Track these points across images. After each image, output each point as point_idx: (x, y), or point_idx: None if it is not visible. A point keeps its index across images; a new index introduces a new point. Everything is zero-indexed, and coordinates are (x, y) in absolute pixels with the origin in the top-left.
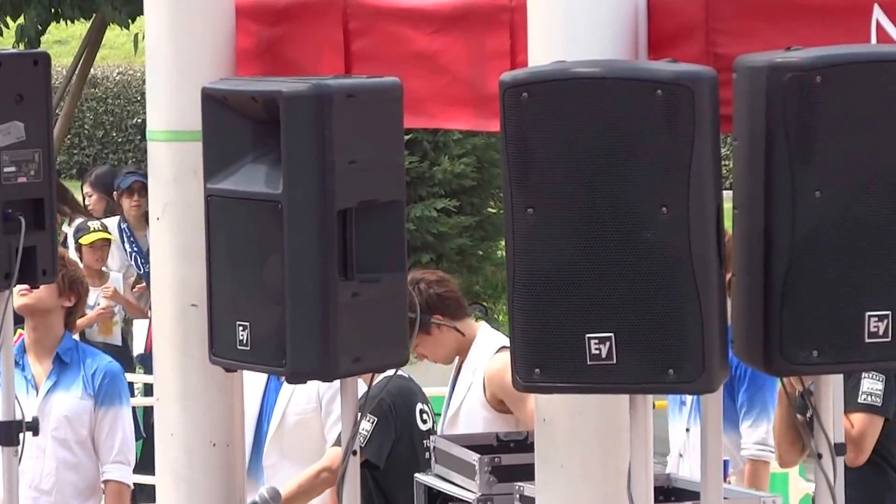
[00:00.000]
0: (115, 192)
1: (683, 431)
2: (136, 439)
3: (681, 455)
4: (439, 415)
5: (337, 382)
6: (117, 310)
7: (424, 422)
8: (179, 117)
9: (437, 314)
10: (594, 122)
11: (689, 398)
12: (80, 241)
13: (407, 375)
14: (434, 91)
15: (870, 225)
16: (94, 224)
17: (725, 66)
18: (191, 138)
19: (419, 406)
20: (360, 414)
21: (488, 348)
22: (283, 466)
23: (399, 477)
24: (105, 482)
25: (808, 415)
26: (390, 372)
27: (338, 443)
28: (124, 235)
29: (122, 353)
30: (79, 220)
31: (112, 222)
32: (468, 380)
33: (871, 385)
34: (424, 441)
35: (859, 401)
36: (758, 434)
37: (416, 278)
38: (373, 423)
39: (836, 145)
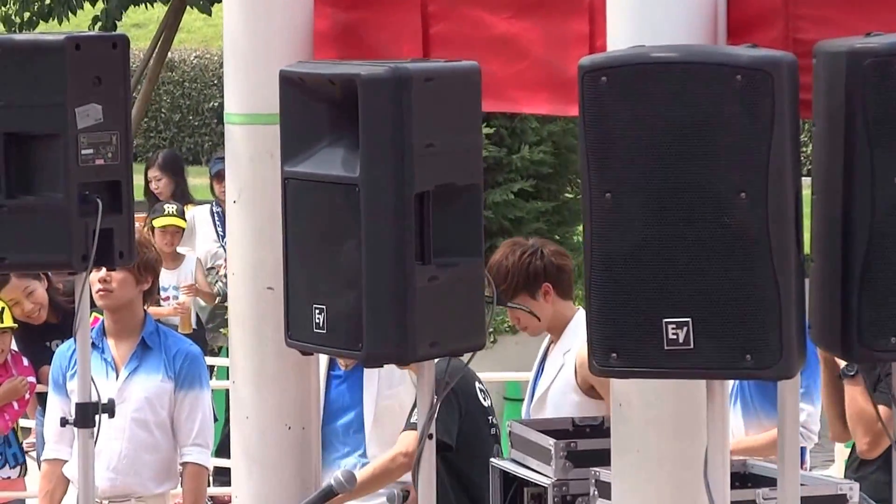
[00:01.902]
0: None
1: None
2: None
3: None
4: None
5: None
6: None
7: (484, 399)
8: (257, 100)
9: (548, 283)
10: (673, 106)
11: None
12: (154, 222)
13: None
14: (512, 75)
15: None
16: (170, 208)
17: (805, 52)
18: (268, 121)
19: (477, 384)
20: (436, 398)
21: (583, 332)
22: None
23: (468, 455)
24: (184, 464)
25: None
26: None
27: (410, 427)
28: (215, 219)
29: (197, 336)
30: (156, 203)
31: (201, 209)
32: (558, 362)
33: None
34: (488, 418)
35: None
36: (799, 416)
37: (539, 244)
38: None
39: None
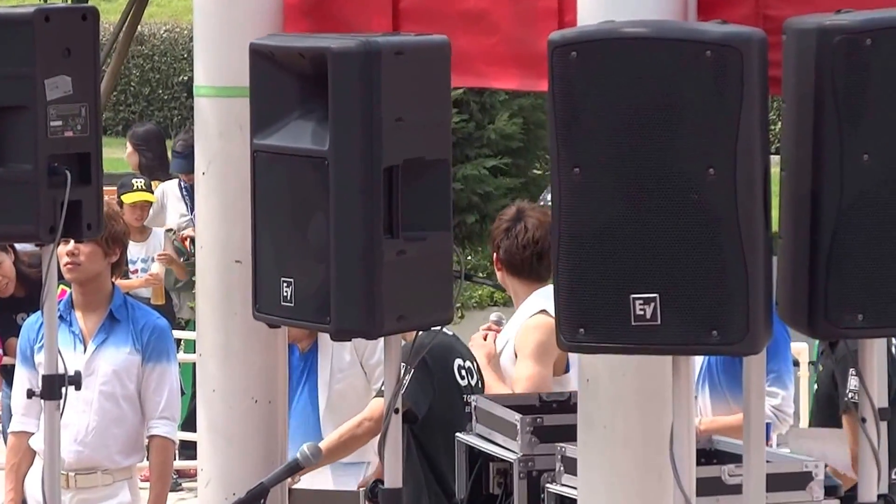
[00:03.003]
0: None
1: None
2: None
3: None
4: None
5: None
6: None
7: (462, 378)
8: (227, 73)
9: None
10: (642, 82)
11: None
12: (123, 198)
13: (451, 333)
14: (482, 50)
15: None
16: (138, 182)
17: (775, 29)
18: (238, 94)
19: (457, 362)
20: (403, 371)
21: (531, 307)
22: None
23: (438, 433)
24: (150, 437)
25: None
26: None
27: (379, 394)
28: (184, 193)
29: (166, 310)
30: (124, 177)
31: (171, 184)
32: (505, 337)
33: None
34: (465, 397)
35: None
36: (773, 400)
37: (526, 208)
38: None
39: (886, 108)
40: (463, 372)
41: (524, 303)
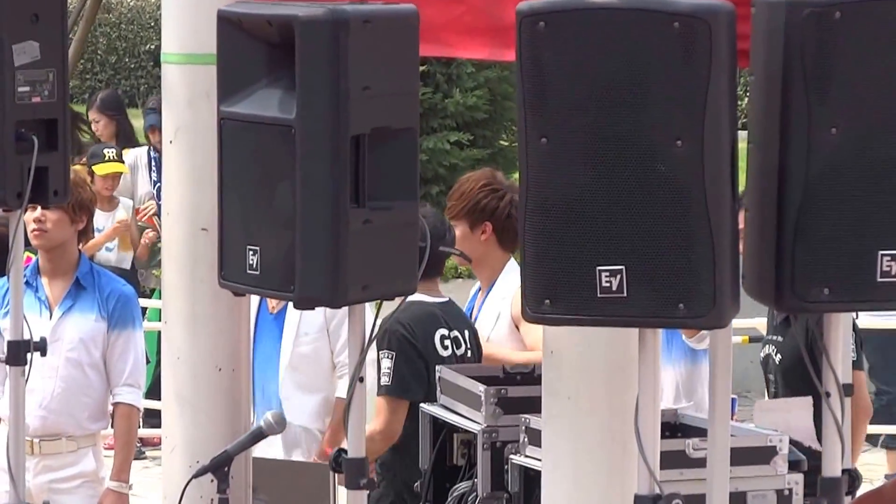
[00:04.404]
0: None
1: None
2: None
3: None
4: None
5: (344, 310)
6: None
7: (445, 348)
8: (194, 40)
9: (490, 224)
10: (610, 52)
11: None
12: (94, 168)
13: (445, 298)
14: (450, 19)
15: (886, 162)
16: (109, 152)
17: (744, 1)
18: (205, 61)
19: (439, 332)
20: (367, 341)
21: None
22: (298, 397)
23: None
24: (115, 405)
25: None
26: (416, 299)
27: (382, 390)
28: (153, 164)
29: (131, 277)
30: (94, 146)
31: (142, 151)
32: (496, 308)
33: None
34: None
35: None
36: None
37: (511, 191)
38: (392, 358)
39: (854, 82)
40: (446, 342)
41: (506, 273)
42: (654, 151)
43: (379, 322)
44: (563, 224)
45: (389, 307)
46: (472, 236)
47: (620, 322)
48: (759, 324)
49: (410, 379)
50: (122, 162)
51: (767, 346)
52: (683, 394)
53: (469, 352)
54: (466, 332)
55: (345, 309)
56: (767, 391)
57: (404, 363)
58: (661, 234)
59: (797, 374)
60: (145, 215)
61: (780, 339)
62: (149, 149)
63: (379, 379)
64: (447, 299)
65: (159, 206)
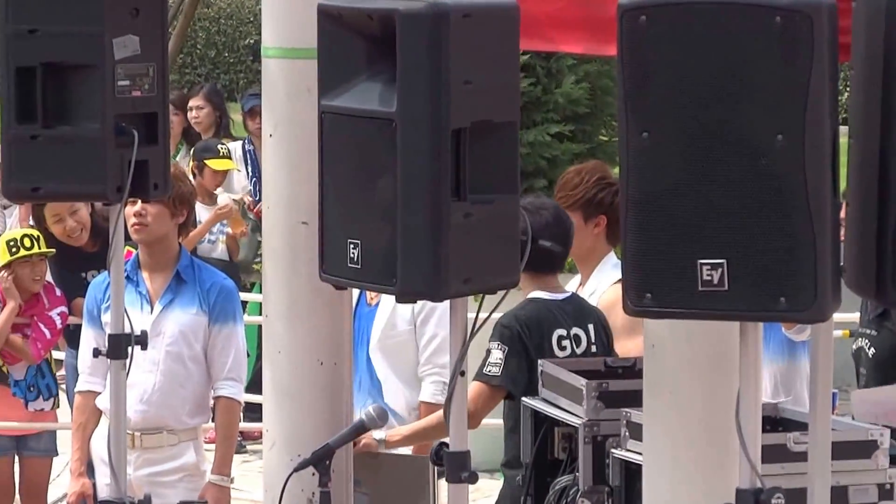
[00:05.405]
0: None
1: None
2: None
3: None
4: None
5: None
6: (219, 227)
7: (563, 348)
8: (294, 34)
9: (605, 217)
10: (711, 47)
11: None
12: (209, 162)
13: (568, 294)
14: (550, 13)
15: None
16: (223, 148)
17: None
18: (305, 55)
19: (557, 332)
20: (469, 336)
21: (609, 276)
22: (392, 383)
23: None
24: (216, 398)
25: None
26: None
27: (479, 376)
28: (248, 157)
29: (230, 269)
30: (206, 140)
31: (237, 145)
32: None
33: None
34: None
35: None
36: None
37: (607, 175)
38: (503, 351)
39: None
40: (564, 342)
41: (599, 269)
42: (755, 146)
43: (482, 316)
44: (665, 218)
45: (491, 301)
46: (585, 228)
47: (721, 316)
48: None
49: (517, 375)
50: (232, 160)
51: (860, 339)
52: (782, 388)
53: (593, 347)
54: (590, 327)
55: (430, 304)
56: (858, 384)
57: (514, 359)
58: (763, 227)
59: (892, 367)
60: (255, 211)
61: (873, 332)
62: (244, 142)
63: (484, 366)
64: (568, 295)
65: (255, 202)
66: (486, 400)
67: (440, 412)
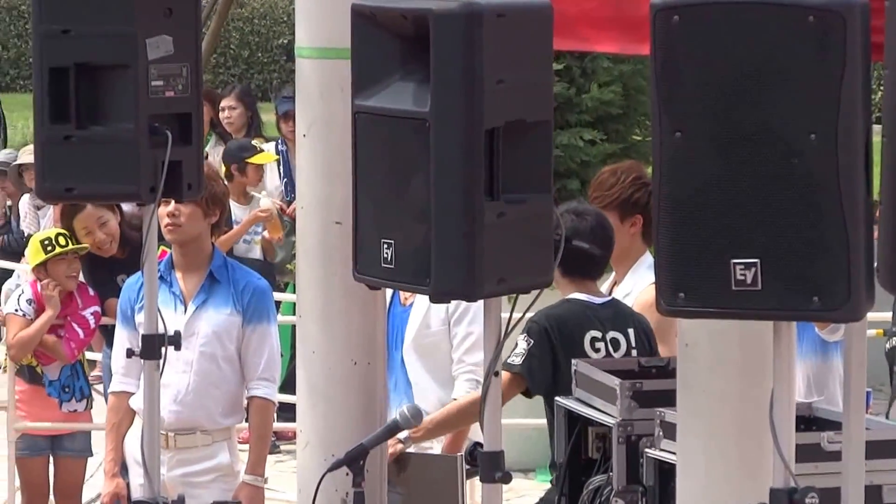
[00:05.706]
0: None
1: None
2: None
3: None
4: None
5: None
6: (254, 229)
7: (597, 350)
8: (328, 34)
9: (641, 217)
10: (744, 46)
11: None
12: (249, 160)
13: (590, 300)
14: (583, 13)
15: None
16: (262, 147)
17: None
18: (339, 55)
19: (590, 334)
20: (503, 335)
21: (644, 278)
22: (425, 383)
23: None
24: (250, 399)
25: None
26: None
27: (505, 367)
28: (281, 158)
29: (265, 269)
30: (240, 141)
31: (269, 146)
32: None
33: None
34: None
35: None
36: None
37: (643, 175)
38: (529, 343)
39: None
40: (598, 344)
41: (634, 270)
42: (788, 145)
43: (516, 316)
44: (697, 217)
45: (525, 300)
46: (622, 228)
47: (755, 315)
48: None
49: (537, 369)
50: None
51: (893, 338)
52: (815, 388)
53: (633, 352)
54: (630, 332)
55: (464, 303)
56: (891, 383)
57: (537, 352)
58: (796, 227)
59: None
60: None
61: None
62: (277, 143)
63: (509, 356)
64: (608, 300)
65: (290, 201)
66: (505, 388)
67: (460, 402)
